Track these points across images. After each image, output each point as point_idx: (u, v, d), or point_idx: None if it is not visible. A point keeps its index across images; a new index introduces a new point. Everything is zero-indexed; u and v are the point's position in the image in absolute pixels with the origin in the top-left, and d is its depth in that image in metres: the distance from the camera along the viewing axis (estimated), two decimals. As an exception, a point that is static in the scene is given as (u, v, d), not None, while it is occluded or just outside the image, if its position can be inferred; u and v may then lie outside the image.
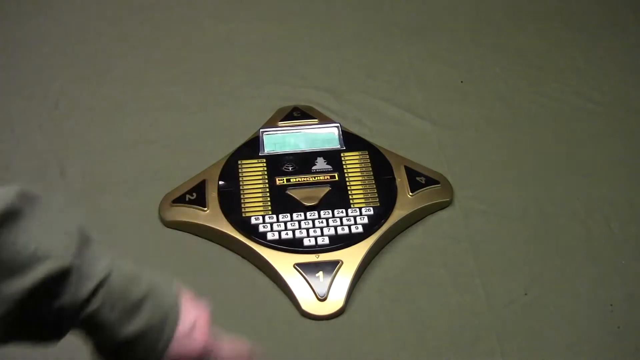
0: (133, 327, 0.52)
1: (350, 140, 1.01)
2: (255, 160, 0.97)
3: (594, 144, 1.05)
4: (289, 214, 0.90)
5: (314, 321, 0.82)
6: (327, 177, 0.95)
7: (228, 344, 0.60)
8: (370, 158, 0.98)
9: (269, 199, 0.92)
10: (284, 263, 0.85)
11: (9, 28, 1.25)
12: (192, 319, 0.56)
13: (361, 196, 0.92)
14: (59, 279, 0.48)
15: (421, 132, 1.06)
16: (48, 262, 0.47)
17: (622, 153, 1.03)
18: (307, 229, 0.88)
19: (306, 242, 0.87)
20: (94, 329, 0.51)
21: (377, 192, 0.93)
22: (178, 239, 0.91)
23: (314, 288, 0.83)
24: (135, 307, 0.52)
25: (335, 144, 1.00)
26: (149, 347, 0.53)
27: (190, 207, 0.91)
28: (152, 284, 0.54)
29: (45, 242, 0.47)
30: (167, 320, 0.54)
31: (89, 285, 0.49)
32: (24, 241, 0.46)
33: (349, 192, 0.93)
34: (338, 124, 1.03)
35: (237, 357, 0.60)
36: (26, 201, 0.49)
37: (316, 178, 0.95)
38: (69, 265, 0.48)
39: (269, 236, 0.88)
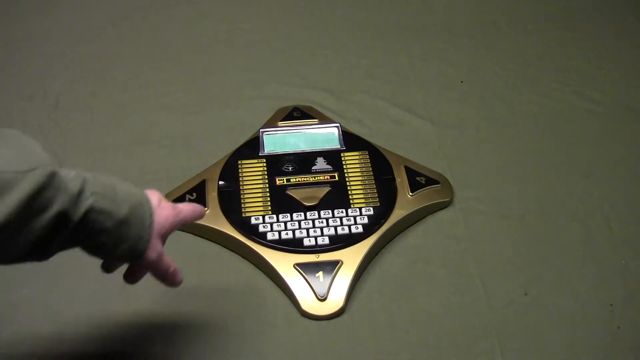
0: (123, 209, 0.60)
1: (350, 140, 1.01)
2: (255, 160, 0.97)
3: (594, 144, 1.05)
4: (289, 214, 0.90)
5: (314, 321, 0.83)
6: (327, 177, 0.95)
7: (185, 205, 0.71)
8: (370, 158, 0.98)
9: (269, 199, 0.92)
10: (284, 263, 0.85)
11: (9, 28, 1.25)
12: (154, 197, 0.66)
13: (361, 196, 0.92)
14: (50, 184, 0.53)
15: (421, 132, 1.06)
16: (33, 173, 0.52)
17: (622, 153, 1.03)
18: (307, 229, 0.88)
19: (306, 242, 0.87)
20: (97, 219, 0.58)
21: (377, 192, 0.93)
22: (178, 239, 0.91)
23: (314, 288, 0.83)
24: (115, 194, 0.60)
25: (335, 144, 1.00)
26: (139, 223, 0.62)
27: (190, 207, 0.91)
28: (114, 181, 0.62)
29: (24, 160, 0.53)
30: (142, 198, 0.64)
31: (75, 183, 0.56)
32: (2, 163, 0.52)
33: (349, 192, 0.93)
34: (338, 124, 1.03)
35: (195, 210, 0.73)
36: None
37: (316, 178, 0.95)
38: (53, 169, 0.54)
39: (269, 236, 0.88)
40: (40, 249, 0.56)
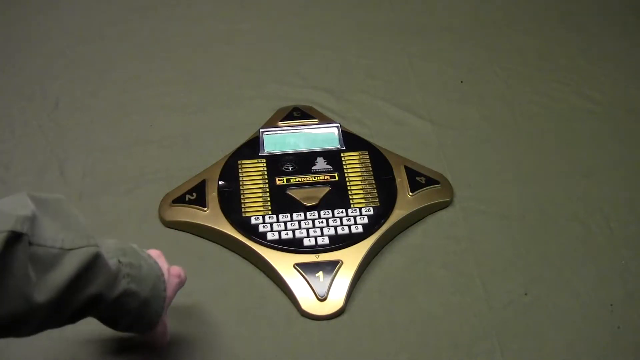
0: (147, 288, 0.61)
1: (350, 140, 1.01)
2: (255, 160, 0.97)
3: (594, 144, 1.05)
4: (289, 214, 0.90)
5: (314, 321, 0.82)
6: (327, 177, 0.95)
7: (179, 268, 0.72)
8: (370, 158, 0.98)
9: (269, 199, 0.92)
10: (284, 263, 0.85)
11: (9, 28, 1.25)
12: (161, 262, 0.68)
13: (361, 196, 0.92)
14: (94, 265, 0.54)
15: (421, 132, 1.06)
16: (79, 252, 0.53)
17: (622, 153, 1.03)
18: (307, 229, 0.88)
19: (306, 242, 0.87)
20: (126, 300, 0.59)
21: (377, 192, 0.93)
22: (178, 239, 0.91)
23: (314, 288, 0.83)
24: (140, 273, 0.61)
25: (335, 144, 1.00)
26: (159, 299, 0.64)
27: (190, 207, 0.91)
28: (134, 248, 0.64)
29: (68, 237, 0.53)
30: (159, 273, 0.65)
31: (113, 265, 0.57)
32: (50, 237, 0.51)
33: (349, 192, 0.93)
34: (338, 124, 1.03)
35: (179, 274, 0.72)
36: (34, 202, 0.53)
37: (316, 178, 0.95)
38: (98, 250, 0.54)
39: (269, 236, 0.88)
40: (66, 322, 0.57)
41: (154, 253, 0.68)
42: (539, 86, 1.14)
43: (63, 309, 0.53)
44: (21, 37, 1.23)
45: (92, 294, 0.54)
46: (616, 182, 0.99)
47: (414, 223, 0.93)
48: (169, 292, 0.66)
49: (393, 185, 0.94)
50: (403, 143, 1.03)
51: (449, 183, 0.97)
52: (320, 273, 0.85)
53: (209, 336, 0.81)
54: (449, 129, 1.06)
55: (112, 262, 0.57)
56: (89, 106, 1.10)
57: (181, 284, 0.71)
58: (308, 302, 0.83)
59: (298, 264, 0.85)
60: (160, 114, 1.08)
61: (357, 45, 1.22)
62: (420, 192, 0.94)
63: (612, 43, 1.23)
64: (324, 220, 0.89)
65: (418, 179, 0.95)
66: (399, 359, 0.79)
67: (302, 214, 0.90)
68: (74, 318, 0.56)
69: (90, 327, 0.81)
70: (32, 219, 0.50)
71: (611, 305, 0.84)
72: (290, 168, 0.96)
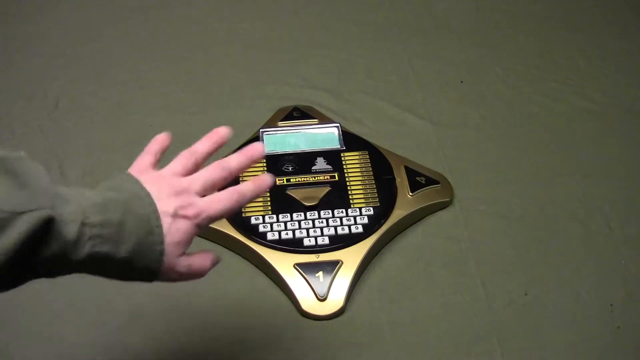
0: (127, 247, 0.55)
1: (350, 140, 1.01)
2: (255, 160, 0.97)
3: (594, 144, 1.05)
4: (289, 214, 0.90)
5: (314, 321, 0.82)
6: (327, 177, 0.95)
7: (214, 203, 0.62)
8: (370, 158, 0.98)
9: (268, 199, 0.92)
10: (284, 263, 0.85)
11: (9, 28, 1.25)
12: (171, 208, 0.58)
13: (361, 196, 0.92)
14: (44, 230, 0.50)
15: (421, 132, 1.06)
16: (28, 216, 0.49)
17: (622, 153, 1.03)
18: (307, 229, 0.88)
19: (306, 242, 0.87)
20: (96, 263, 0.54)
21: (377, 192, 0.93)
22: (178, 239, 0.91)
23: (314, 288, 0.83)
24: (120, 230, 0.54)
25: (335, 144, 1.00)
26: (148, 256, 0.56)
27: (190, 207, 0.91)
28: (120, 197, 0.56)
29: (21, 199, 0.49)
30: (151, 226, 0.56)
31: (73, 228, 0.51)
32: (0, 198, 0.48)
33: (349, 192, 0.93)
34: (338, 124, 1.03)
35: (230, 208, 0.63)
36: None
37: (316, 178, 0.95)
38: (50, 214, 0.50)
39: (269, 236, 0.88)
40: (42, 276, 0.54)
41: (167, 201, 0.59)
42: (539, 86, 1.14)
43: (10, 274, 0.51)
44: (21, 37, 1.23)
45: (48, 257, 0.51)
46: (616, 182, 0.99)
47: (414, 223, 0.93)
48: (172, 241, 0.58)
49: (393, 185, 0.94)
50: (403, 143, 1.03)
51: (449, 183, 0.97)
52: (320, 273, 0.85)
53: (208, 336, 0.81)
54: (449, 129, 1.06)
55: (72, 225, 0.52)
56: (89, 106, 1.10)
57: (206, 223, 0.61)
58: (308, 302, 0.83)
59: (298, 264, 0.85)
60: (160, 114, 1.08)
61: (357, 45, 1.22)
62: (420, 192, 0.94)
63: (612, 43, 1.23)
64: (324, 220, 0.89)
65: (418, 179, 0.95)
66: (399, 359, 0.79)
67: (302, 214, 0.90)
68: (24, 279, 0.53)
69: (90, 326, 0.81)
70: None
71: (611, 305, 0.84)
72: (290, 168, 0.96)
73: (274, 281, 0.86)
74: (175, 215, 0.58)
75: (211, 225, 0.89)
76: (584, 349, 0.80)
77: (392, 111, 1.09)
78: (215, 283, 0.86)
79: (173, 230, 0.58)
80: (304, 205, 0.91)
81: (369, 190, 0.93)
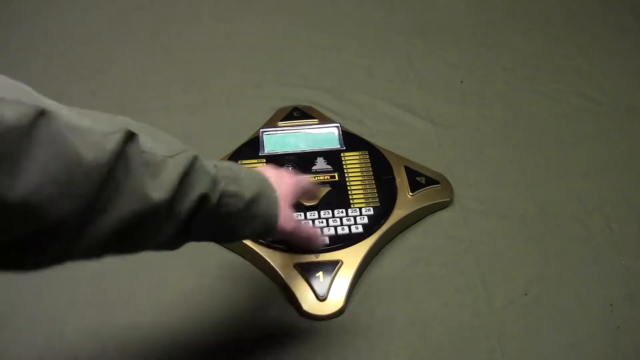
0: (251, 189, 0.64)
1: (350, 140, 1.01)
2: (255, 160, 0.97)
3: (594, 144, 1.05)
4: (289, 214, 0.90)
5: (314, 321, 0.83)
6: (327, 177, 0.95)
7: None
8: (370, 158, 0.98)
9: (269, 199, 0.92)
10: (284, 263, 0.85)
11: (9, 28, 1.25)
12: (270, 172, 0.72)
13: (361, 196, 0.92)
14: (194, 166, 0.57)
15: (421, 132, 1.06)
16: (178, 156, 0.56)
17: (622, 153, 1.03)
18: (307, 229, 0.88)
19: (306, 242, 0.87)
20: (229, 202, 0.62)
21: (377, 192, 0.93)
22: (178, 239, 0.91)
23: (314, 288, 0.83)
24: (242, 176, 0.65)
25: (335, 144, 1.00)
26: (267, 200, 0.67)
27: (190, 207, 0.91)
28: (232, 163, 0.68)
29: (167, 147, 0.56)
30: (262, 177, 0.69)
31: (210, 168, 0.60)
32: (150, 147, 0.54)
33: (349, 192, 0.93)
34: (338, 124, 1.03)
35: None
36: (131, 125, 0.55)
37: (316, 178, 0.95)
38: (195, 154, 0.58)
39: (269, 236, 0.88)
40: (180, 234, 0.58)
41: (266, 168, 0.73)
42: (539, 86, 1.14)
43: (177, 210, 0.55)
44: (21, 37, 1.23)
45: (198, 195, 0.57)
46: (616, 182, 0.99)
47: (414, 223, 0.93)
48: (281, 190, 0.70)
49: (393, 185, 0.94)
50: (403, 143, 1.03)
51: (449, 183, 0.97)
52: (320, 273, 0.85)
53: (208, 336, 0.81)
54: (449, 129, 1.06)
55: (209, 163, 0.60)
56: (89, 106, 1.09)
57: (301, 188, 0.76)
58: (308, 302, 0.83)
59: (298, 264, 0.85)
60: (160, 114, 1.08)
61: (357, 45, 1.22)
62: (420, 192, 0.94)
63: (612, 43, 1.23)
64: (324, 220, 0.89)
65: (418, 179, 0.95)
66: (399, 359, 0.79)
67: (302, 214, 0.90)
68: (188, 223, 0.58)
69: (90, 326, 0.81)
70: (131, 135, 0.53)
71: (611, 305, 0.84)
72: (290, 168, 0.96)
73: (274, 281, 0.86)
74: (277, 175, 0.72)
75: (211, 225, 0.90)
76: (584, 349, 0.80)
77: (392, 111, 1.09)
78: (216, 283, 0.86)
79: (283, 182, 0.71)
80: (304, 205, 0.91)
81: (369, 190, 0.93)
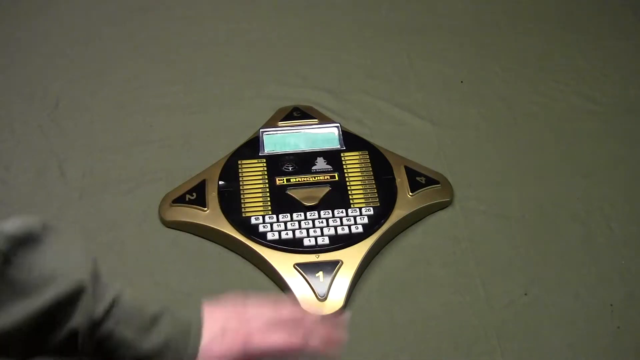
0: (153, 341, 0.52)
1: (350, 140, 1.01)
2: (255, 160, 0.97)
3: (594, 144, 1.05)
4: (289, 214, 0.90)
5: (314, 321, 0.82)
6: (327, 177, 0.95)
7: (272, 336, 0.57)
8: (370, 158, 0.98)
9: (269, 199, 0.92)
10: (284, 263, 0.85)
11: (9, 28, 1.25)
12: (220, 324, 0.56)
13: (361, 196, 0.92)
14: (73, 299, 0.49)
15: (421, 132, 1.06)
16: (62, 283, 0.49)
17: (622, 153, 1.03)
18: (307, 229, 0.88)
19: (306, 242, 0.87)
20: (114, 349, 0.52)
21: (377, 192, 0.93)
22: (178, 239, 0.91)
23: (314, 288, 0.83)
24: (152, 323, 0.53)
25: (335, 144, 1.00)
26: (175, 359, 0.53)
27: (190, 207, 0.91)
28: (166, 304, 0.55)
29: (60, 268, 0.49)
30: (190, 331, 0.54)
31: (102, 305, 0.51)
32: (40, 265, 0.48)
33: (349, 192, 0.93)
34: (338, 124, 1.03)
35: (286, 352, 0.58)
36: (46, 231, 0.51)
37: (316, 178, 0.95)
38: (83, 285, 0.50)
39: (269, 236, 0.88)
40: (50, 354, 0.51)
41: (223, 316, 0.57)
42: (539, 86, 1.14)
43: (45, 337, 0.50)
44: (21, 37, 1.23)
45: (68, 329, 0.49)
46: (616, 182, 0.99)
47: (414, 223, 0.93)
48: (214, 348, 0.55)
49: (393, 185, 0.94)
50: (403, 143, 1.03)
51: (449, 183, 0.97)
52: (320, 273, 0.85)
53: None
54: (449, 129, 1.06)
55: (101, 303, 0.51)
56: (89, 106, 1.10)
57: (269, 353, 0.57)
58: (308, 302, 0.83)
59: (298, 264, 0.85)
60: (160, 114, 1.08)
61: (357, 45, 1.22)
62: (420, 192, 0.94)
63: (612, 43, 1.23)
64: (324, 220, 0.89)
65: (418, 179, 0.95)
66: (399, 359, 0.79)
67: (302, 214, 0.90)
68: (46, 351, 0.51)
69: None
70: (27, 239, 0.49)
71: (611, 305, 0.84)
72: (290, 168, 0.96)
73: (274, 281, 0.86)
74: (224, 330, 0.56)
75: (211, 225, 0.90)
76: (584, 349, 0.80)
77: (392, 111, 1.09)
78: (216, 283, 0.86)
79: (215, 344, 0.55)
80: (304, 205, 0.91)
81: (369, 190, 0.93)
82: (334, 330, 0.62)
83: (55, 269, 0.49)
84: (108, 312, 0.51)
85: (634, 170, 1.01)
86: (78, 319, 0.50)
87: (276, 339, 0.57)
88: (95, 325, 0.51)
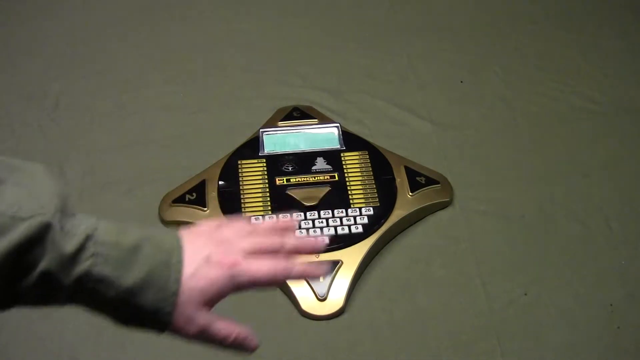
0: (134, 276, 0.48)
1: (350, 140, 1.01)
2: (255, 160, 0.97)
3: (594, 144, 1.05)
4: (289, 214, 0.90)
5: (314, 321, 0.82)
6: (327, 177, 0.95)
7: (257, 262, 0.54)
8: (370, 158, 0.98)
9: (269, 199, 0.92)
10: (284, 263, 0.85)
11: (9, 28, 1.25)
12: (204, 253, 0.51)
13: (361, 196, 0.92)
14: (40, 237, 0.45)
15: (421, 132, 1.06)
16: (27, 222, 0.45)
17: (622, 153, 1.03)
18: (307, 229, 0.88)
19: (306, 242, 0.87)
20: (93, 288, 0.48)
21: (377, 192, 0.93)
22: (178, 239, 0.91)
23: (314, 288, 0.83)
24: (131, 254, 0.49)
25: (335, 144, 1.00)
26: (158, 292, 0.49)
27: (190, 207, 0.91)
28: (146, 230, 0.51)
29: (25, 205, 0.46)
30: (171, 258, 0.50)
31: (74, 242, 0.47)
32: (2, 205, 0.45)
33: (349, 192, 0.93)
34: (338, 124, 1.03)
35: (273, 275, 0.54)
36: (6, 168, 0.48)
37: (316, 178, 0.95)
38: (48, 221, 0.46)
39: (269, 236, 0.87)
40: (29, 303, 0.49)
41: (204, 242, 0.53)
42: (539, 86, 1.14)
43: (7, 289, 0.46)
44: (21, 37, 1.23)
45: (37, 274, 0.46)
46: (616, 182, 0.99)
47: (414, 223, 0.93)
48: (197, 281, 0.50)
49: (393, 185, 0.94)
50: (403, 143, 1.03)
51: (449, 183, 0.97)
52: (320, 273, 0.85)
53: (209, 336, 0.81)
54: (449, 129, 1.06)
55: (73, 239, 0.47)
56: (89, 106, 1.10)
57: (242, 282, 0.53)
58: (308, 302, 0.83)
59: (298, 264, 0.85)
60: (160, 114, 1.08)
61: (357, 45, 1.22)
62: (420, 192, 0.94)
63: (612, 43, 1.23)
64: (324, 220, 0.89)
65: (418, 179, 0.95)
66: (399, 359, 0.79)
67: (302, 214, 0.90)
68: (23, 299, 0.48)
69: (91, 327, 0.81)
70: None
71: (611, 305, 0.84)
72: (290, 168, 0.96)
73: (274, 281, 0.86)
74: (208, 260, 0.51)
75: (211, 225, 0.89)
76: (584, 349, 0.80)
77: (392, 111, 1.09)
78: (215, 283, 0.86)
79: (200, 274, 0.51)
80: (304, 205, 0.91)
81: (369, 190, 0.93)
82: (310, 244, 0.59)
83: (20, 208, 0.45)
84: (81, 248, 0.47)
85: (634, 170, 1.01)
86: (48, 259, 0.46)
87: (261, 266, 0.53)
88: (69, 263, 0.46)
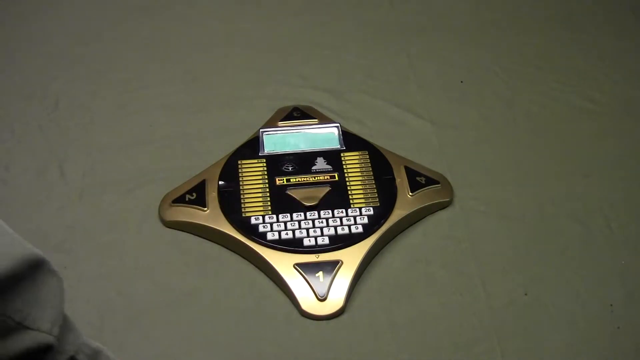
0: None
1: (350, 140, 1.01)
2: (255, 160, 0.97)
3: (594, 144, 1.05)
4: (289, 214, 0.90)
5: (314, 321, 0.82)
6: (327, 177, 0.95)
7: None
8: (370, 158, 0.98)
9: (269, 199, 0.92)
10: (284, 263, 0.85)
11: (9, 28, 1.25)
12: None
13: (361, 196, 0.92)
14: (41, 353, 0.51)
15: (421, 132, 1.06)
16: (35, 335, 0.50)
17: (621, 153, 1.03)
18: (307, 229, 0.88)
19: (306, 242, 0.87)
20: None
21: (377, 192, 0.93)
22: (178, 239, 0.91)
23: (314, 288, 0.83)
24: None
25: (335, 144, 1.00)
26: None
27: (190, 207, 0.91)
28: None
29: (33, 314, 0.50)
30: None
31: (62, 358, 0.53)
32: (15, 308, 0.49)
33: (349, 192, 0.93)
34: (338, 124, 1.03)
35: None
36: (29, 269, 0.50)
37: (316, 178, 0.95)
38: (52, 342, 0.51)
39: (269, 236, 0.88)
40: None
41: None
42: (539, 86, 1.14)
43: None
44: (21, 37, 1.23)
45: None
46: (616, 182, 0.99)
47: (414, 223, 0.93)
48: None
49: (393, 185, 0.94)
50: (403, 143, 1.03)
51: (449, 183, 0.97)
52: (320, 273, 0.85)
53: (209, 336, 0.81)
54: (449, 129, 1.06)
55: (63, 356, 0.54)
56: (89, 106, 1.10)
57: None
58: (308, 302, 0.83)
59: (298, 264, 0.85)
60: (160, 114, 1.08)
61: (357, 45, 1.22)
62: (420, 192, 0.94)
63: (612, 43, 1.23)
64: (324, 220, 0.89)
65: (418, 179, 0.95)
66: (399, 359, 0.79)
67: (302, 214, 0.90)
68: None
69: (91, 327, 0.81)
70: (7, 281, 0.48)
71: (611, 305, 0.84)
72: (290, 168, 0.96)
73: (274, 281, 0.86)
74: None
75: (211, 225, 0.90)
76: (584, 349, 0.80)
77: (392, 111, 1.09)
78: (215, 283, 0.86)
79: None
80: (304, 205, 0.91)
81: (369, 190, 0.93)
82: None
83: (29, 316, 0.50)
84: None
85: (634, 170, 1.01)
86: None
87: None
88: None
